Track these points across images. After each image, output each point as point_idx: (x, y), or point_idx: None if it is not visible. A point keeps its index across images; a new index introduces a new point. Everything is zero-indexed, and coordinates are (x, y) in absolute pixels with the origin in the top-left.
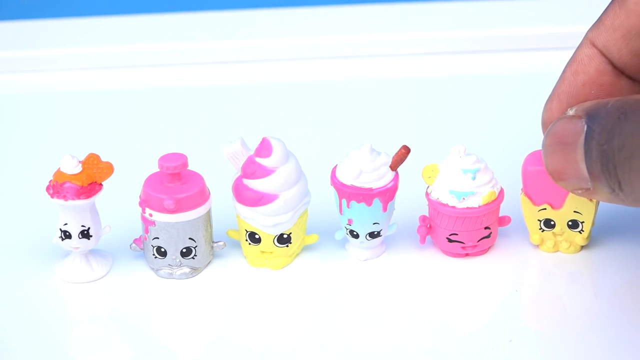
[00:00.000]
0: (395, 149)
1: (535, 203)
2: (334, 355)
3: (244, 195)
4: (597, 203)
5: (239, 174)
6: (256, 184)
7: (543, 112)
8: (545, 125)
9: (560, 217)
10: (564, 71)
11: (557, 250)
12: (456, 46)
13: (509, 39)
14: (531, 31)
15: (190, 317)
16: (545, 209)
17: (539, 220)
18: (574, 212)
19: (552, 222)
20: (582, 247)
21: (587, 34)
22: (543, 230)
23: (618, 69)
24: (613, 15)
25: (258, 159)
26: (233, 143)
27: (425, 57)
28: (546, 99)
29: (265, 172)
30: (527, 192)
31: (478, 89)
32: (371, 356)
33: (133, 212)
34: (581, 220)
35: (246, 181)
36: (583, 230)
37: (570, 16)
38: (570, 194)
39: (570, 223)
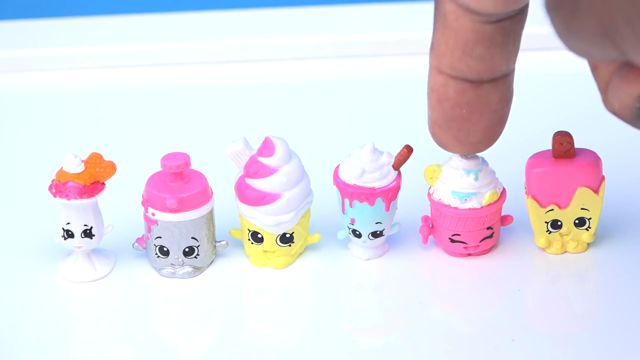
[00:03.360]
0: (397, 148)
1: (542, 205)
2: (337, 355)
3: (246, 195)
4: (603, 197)
5: (241, 173)
6: (259, 184)
7: (435, 139)
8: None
9: (568, 216)
10: (428, 98)
11: (565, 251)
12: None
13: None
14: (534, 30)
15: (192, 317)
16: (552, 209)
17: (546, 222)
18: (581, 209)
19: (560, 223)
20: (588, 245)
21: (430, 61)
22: (550, 232)
23: (476, 82)
24: (443, 37)
25: (260, 159)
26: (235, 142)
27: (426, 56)
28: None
29: (268, 171)
30: (534, 194)
31: None
32: (373, 356)
33: (135, 211)
34: (588, 217)
35: (249, 180)
36: (590, 227)
37: None
38: (577, 192)
39: (577, 221)
